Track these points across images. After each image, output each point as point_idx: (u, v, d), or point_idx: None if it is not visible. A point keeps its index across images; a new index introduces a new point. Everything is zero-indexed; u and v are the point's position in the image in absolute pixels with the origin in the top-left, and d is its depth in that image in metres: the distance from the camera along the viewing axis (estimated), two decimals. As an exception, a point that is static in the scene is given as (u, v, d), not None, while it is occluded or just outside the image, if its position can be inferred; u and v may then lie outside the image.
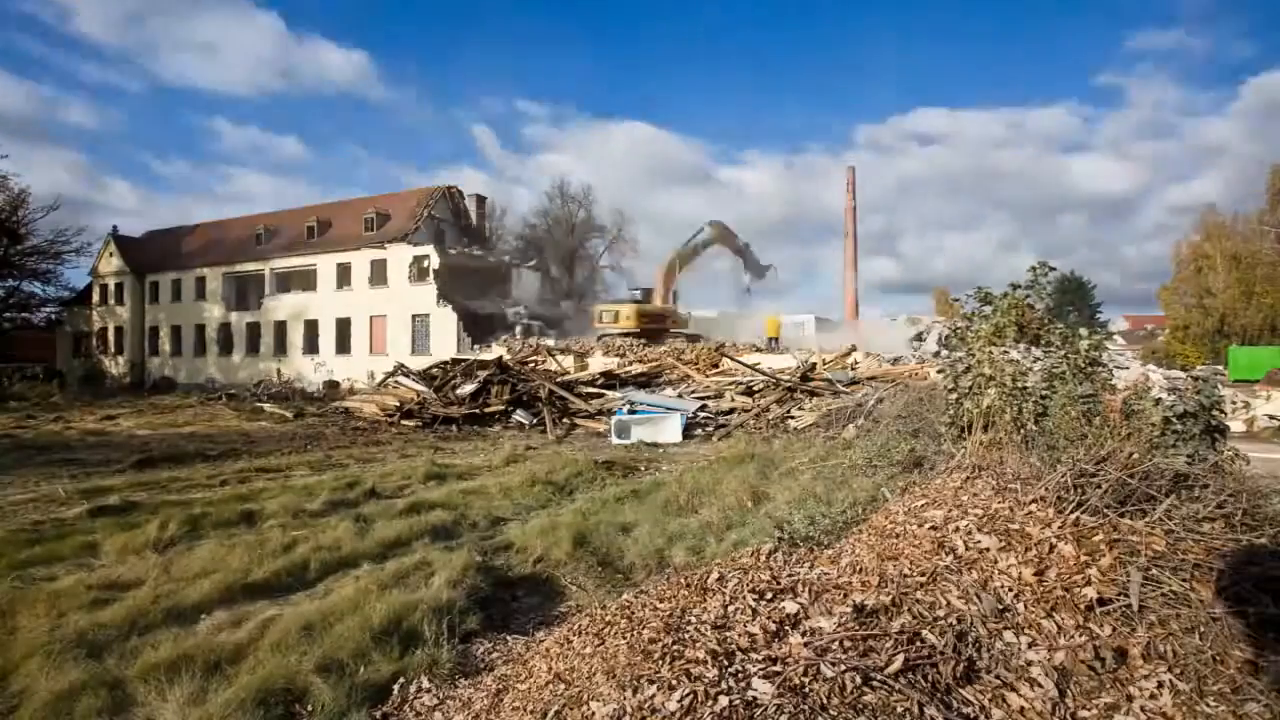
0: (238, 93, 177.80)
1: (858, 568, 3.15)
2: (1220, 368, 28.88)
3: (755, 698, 2.12)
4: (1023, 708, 2.18)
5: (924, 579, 2.84)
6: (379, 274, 35.30)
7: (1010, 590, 2.72)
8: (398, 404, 19.45)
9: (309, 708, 3.27)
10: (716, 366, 22.06)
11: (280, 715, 3.21)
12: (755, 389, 18.26)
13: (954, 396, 6.49)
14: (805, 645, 2.39)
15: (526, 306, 37.18)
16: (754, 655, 2.40)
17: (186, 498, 8.36)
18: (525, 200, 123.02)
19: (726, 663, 2.35)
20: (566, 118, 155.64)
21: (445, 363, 22.35)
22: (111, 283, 44.42)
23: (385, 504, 7.83)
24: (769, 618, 2.69)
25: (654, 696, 2.23)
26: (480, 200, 44.30)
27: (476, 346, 30.71)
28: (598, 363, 23.17)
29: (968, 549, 3.01)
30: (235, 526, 6.82)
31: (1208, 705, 2.19)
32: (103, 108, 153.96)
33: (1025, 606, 2.63)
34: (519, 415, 17.63)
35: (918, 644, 2.38)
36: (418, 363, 24.95)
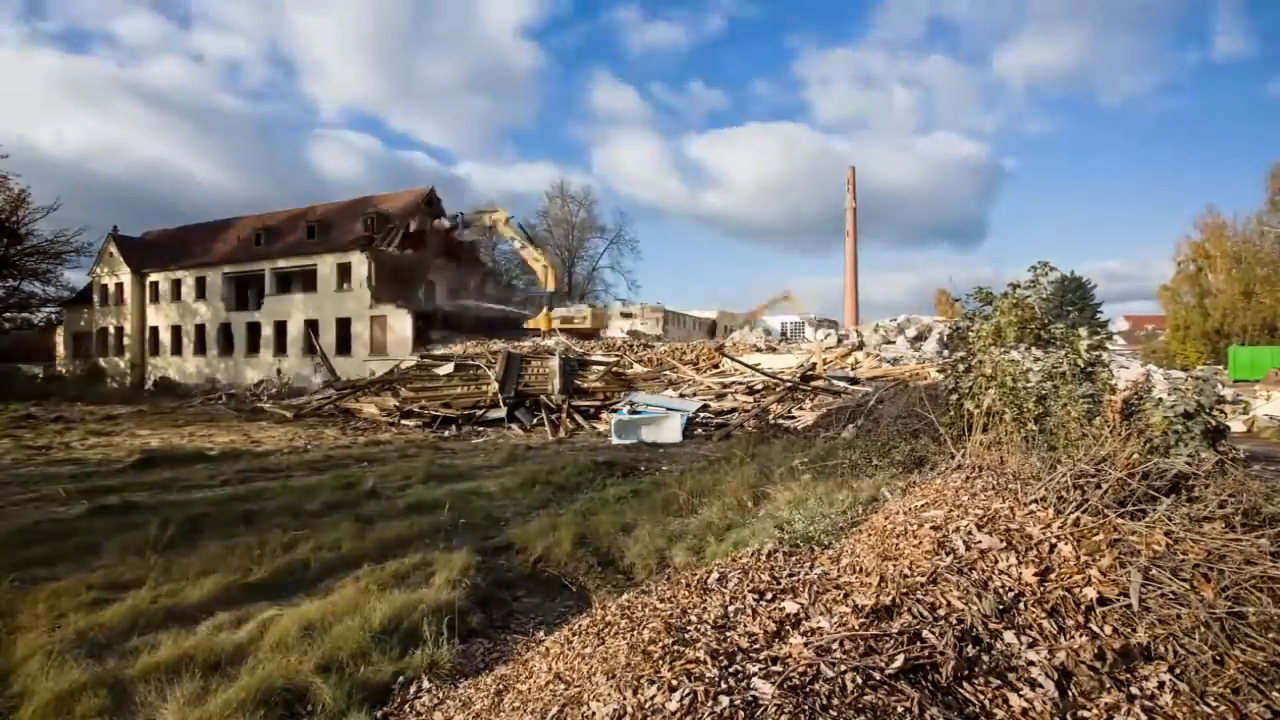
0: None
1: (858, 568, 3.15)
2: (1220, 368, 28.88)
3: (756, 698, 2.12)
4: (1024, 708, 2.18)
5: (924, 579, 2.83)
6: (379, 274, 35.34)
7: (1011, 590, 2.71)
8: (397, 404, 19.45)
9: (309, 708, 3.27)
10: (717, 366, 22.07)
11: (280, 715, 3.21)
12: (756, 389, 18.27)
13: (955, 397, 6.49)
14: (806, 645, 2.39)
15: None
16: (754, 655, 2.40)
17: (186, 498, 8.36)
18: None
19: (727, 663, 2.34)
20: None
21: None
22: (111, 283, 44.39)
23: (385, 504, 7.83)
24: (769, 618, 2.69)
25: (654, 697, 2.22)
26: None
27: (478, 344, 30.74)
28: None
29: (968, 549, 3.01)
30: (235, 526, 6.81)
31: (1209, 705, 2.19)
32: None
33: (1026, 607, 2.62)
34: (520, 415, 17.62)
35: (918, 644, 2.38)
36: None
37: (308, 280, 38.41)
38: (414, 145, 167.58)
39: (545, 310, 35.06)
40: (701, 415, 16.15)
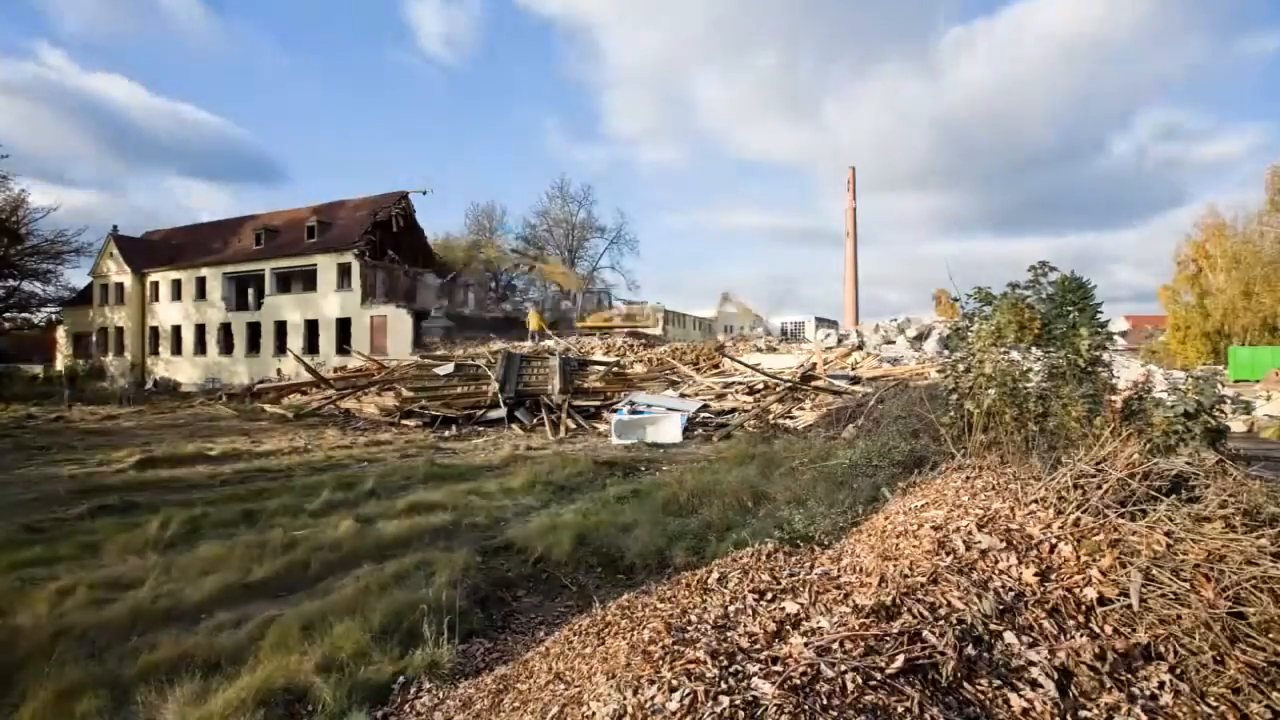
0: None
1: (858, 568, 3.15)
2: (1220, 368, 28.87)
3: (756, 698, 2.11)
4: (1024, 708, 2.17)
5: (925, 579, 2.83)
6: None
7: (1011, 591, 2.71)
8: (397, 404, 19.45)
9: (309, 708, 3.27)
10: (717, 367, 22.07)
11: (280, 715, 3.21)
12: (756, 389, 18.26)
13: (954, 397, 6.49)
14: (806, 645, 2.38)
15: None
16: (755, 655, 2.39)
17: (186, 498, 8.36)
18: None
19: (727, 663, 2.34)
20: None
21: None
22: (111, 283, 44.37)
23: (385, 504, 7.83)
24: (770, 618, 2.68)
25: (654, 697, 2.22)
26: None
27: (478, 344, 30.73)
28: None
29: (968, 549, 3.01)
30: (235, 526, 6.82)
31: (1209, 706, 2.18)
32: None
33: (1026, 607, 2.62)
34: (520, 415, 17.62)
35: (919, 644, 2.38)
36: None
37: (308, 280, 38.43)
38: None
39: (535, 309, 35.32)
40: (702, 415, 16.15)
